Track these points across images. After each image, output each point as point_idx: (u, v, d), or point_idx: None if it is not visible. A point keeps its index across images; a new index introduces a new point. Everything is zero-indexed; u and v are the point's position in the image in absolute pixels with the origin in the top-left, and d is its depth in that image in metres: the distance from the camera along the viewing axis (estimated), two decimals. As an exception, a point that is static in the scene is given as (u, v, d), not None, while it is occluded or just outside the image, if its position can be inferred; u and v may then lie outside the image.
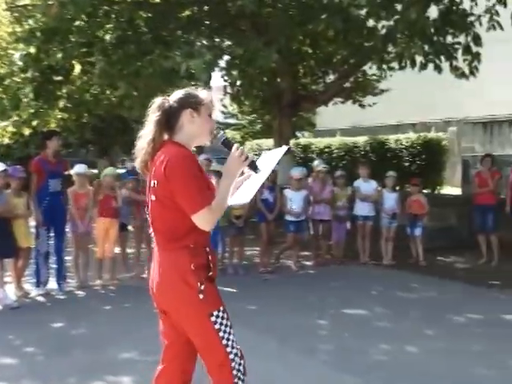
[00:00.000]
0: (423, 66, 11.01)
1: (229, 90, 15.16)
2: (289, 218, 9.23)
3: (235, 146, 2.89)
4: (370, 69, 13.35)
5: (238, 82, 13.69)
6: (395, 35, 10.08)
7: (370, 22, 11.41)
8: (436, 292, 7.69)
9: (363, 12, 10.42)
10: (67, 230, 8.05)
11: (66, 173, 8.15)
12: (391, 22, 10.22)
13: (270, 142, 20.87)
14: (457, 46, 11.23)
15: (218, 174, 9.10)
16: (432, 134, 17.40)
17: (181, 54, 9.64)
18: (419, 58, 10.84)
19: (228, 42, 12.15)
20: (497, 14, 10.04)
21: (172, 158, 2.76)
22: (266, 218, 9.12)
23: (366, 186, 9.88)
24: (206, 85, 18.55)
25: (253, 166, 2.92)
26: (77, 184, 8.00)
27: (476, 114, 19.08)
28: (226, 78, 12.96)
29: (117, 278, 8.32)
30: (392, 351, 5.26)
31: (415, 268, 9.38)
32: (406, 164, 15.81)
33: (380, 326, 6.10)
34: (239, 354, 2.87)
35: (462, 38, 11.19)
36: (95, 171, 17.66)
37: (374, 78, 14.75)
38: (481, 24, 10.51)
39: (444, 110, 19.98)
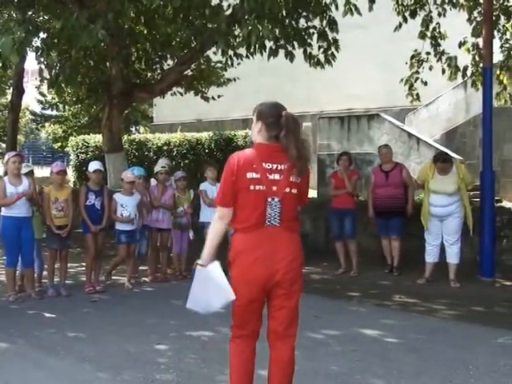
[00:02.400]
0: (273, 53, 11.28)
1: (46, 74, 14.67)
2: (120, 226, 9.09)
3: None
4: (215, 55, 13.52)
5: (58, 66, 13.25)
6: (242, 15, 10.27)
7: (214, 0, 11.56)
8: (291, 307, 7.93)
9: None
10: None
11: None
12: (237, 1, 10.40)
13: (98, 137, 20.45)
14: (312, 31, 11.61)
15: (31, 174, 8.77)
16: (285, 130, 17.92)
17: (-16, 30, 9.15)
18: (269, 44, 11.12)
19: (45, 17, 11.72)
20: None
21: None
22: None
23: (213, 189, 9.90)
24: (17, 67, 17.83)
25: None
26: None
27: (332, 107, 20.01)
28: (42, 59, 12.47)
29: None
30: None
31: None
32: (257, 164, 16.18)
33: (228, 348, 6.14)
34: None
35: (316, 22, 11.59)
36: None
37: (219, 65, 14.94)
38: (337, 8, 10.97)
39: (297, 102, 20.69)
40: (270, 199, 3.98)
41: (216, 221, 4.13)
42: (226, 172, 4.08)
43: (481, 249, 9.63)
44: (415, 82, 13.46)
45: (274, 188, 3.98)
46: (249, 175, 3.98)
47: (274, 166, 4.00)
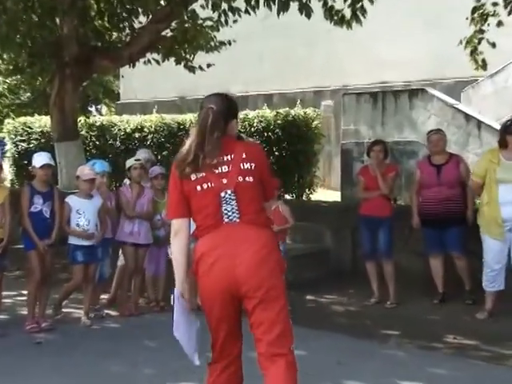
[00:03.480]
0: (283, 6, 11.24)
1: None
2: (76, 241, 9.04)
3: None
4: (203, 9, 13.48)
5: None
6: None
7: None
8: (304, 349, 7.85)
9: None
10: None
11: None
12: None
13: (45, 120, 20.39)
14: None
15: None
16: (297, 111, 17.89)
17: None
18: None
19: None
20: None
21: (259, 147, 5.16)
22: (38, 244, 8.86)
23: (200, 190, 9.95)
24: None
25: None
26: None
27: (361, 80, 19.97)
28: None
29: None
30: None
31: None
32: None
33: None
34: None
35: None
36: None
37: (210, 24, 14.88)
38: None
39: (314, 73, 20.71)
40: (223, 194, 4.68)
41: (173, 239, 4.81)
42: (171, 181, 4.87)
43: None
44: (479, 43, 13.30)
45: (225, 181, 4.69)
46: (193, 177, 4.72)
47: (221, 159, 4.72)
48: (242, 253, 4.55)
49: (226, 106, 4.87)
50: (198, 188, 4.69)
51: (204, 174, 4.69)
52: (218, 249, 4.59)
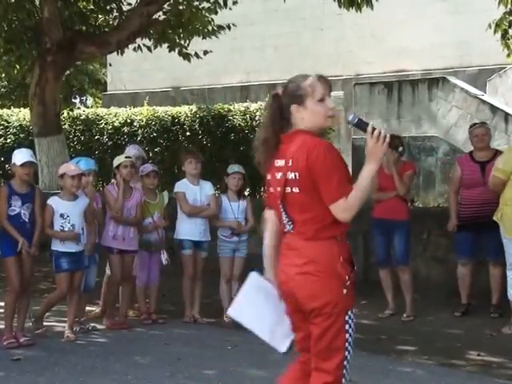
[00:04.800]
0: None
1: None
2: (58, 247, 9.02)
3: (370, 126, 4.58)
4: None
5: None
6: None
7: None
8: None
9: None
10: None
11: None
12: None
13: (24, 113, 20.38)
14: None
15: None
16: (304, 102, 17.89)
17: None
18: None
19: None
20: None
21: (314, 149, 4.58)
22: (16, 249, 8.85)
23: (195, 190, 9.94)
24: None
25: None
26: None
27: (374, 68, 19.97)
28: None
29: None
30: None
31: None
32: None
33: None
34: (350, 360, 4.86)
35: None
36: None
37: (206, 5, 14.88)
38: None
39: (323, 61, 20.71)
40: (279, 202, 4.75)
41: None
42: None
43: None
44: (510, 27, 13.22)
45: (278, 189, 4.76)
46: (268, 176, 4.86)
47: (279, 163, 4.76)
48: (289, 267, 4.68)
49: (286, 91, 4.77)
50: (269, 190, 4.87)
51: (269, 178, 4.82)
52: (278, 260, 4.81)
